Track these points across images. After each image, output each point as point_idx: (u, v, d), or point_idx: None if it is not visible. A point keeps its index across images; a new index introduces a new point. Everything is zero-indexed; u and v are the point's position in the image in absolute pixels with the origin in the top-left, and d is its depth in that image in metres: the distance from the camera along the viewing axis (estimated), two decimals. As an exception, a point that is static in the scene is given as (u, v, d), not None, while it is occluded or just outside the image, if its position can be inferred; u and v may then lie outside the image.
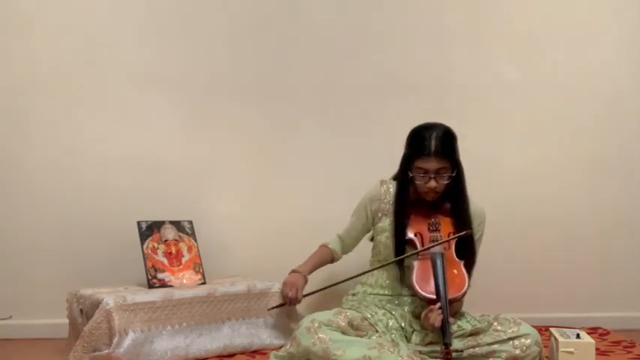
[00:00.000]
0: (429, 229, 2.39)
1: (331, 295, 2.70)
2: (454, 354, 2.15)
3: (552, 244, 3.28)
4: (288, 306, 2.60)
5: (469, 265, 2.37)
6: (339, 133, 3.20)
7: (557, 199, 3.29)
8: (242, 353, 2.67)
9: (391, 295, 2.44)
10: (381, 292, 2.46)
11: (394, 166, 2.52)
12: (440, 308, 2.17)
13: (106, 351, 2.39)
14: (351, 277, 2.48)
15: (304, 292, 2.57)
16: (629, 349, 2.81)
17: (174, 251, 2.80)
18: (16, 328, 2.93)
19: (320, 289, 2.56)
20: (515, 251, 3.23)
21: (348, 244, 2.64)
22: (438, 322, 2.15)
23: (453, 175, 2.34)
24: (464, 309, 2.43)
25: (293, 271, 2.59)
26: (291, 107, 3.19)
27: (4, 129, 2.99)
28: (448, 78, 3.26)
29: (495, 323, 2.22)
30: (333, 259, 2.66)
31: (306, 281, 2.58)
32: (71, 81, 3.02)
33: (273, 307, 2.66)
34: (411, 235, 2.39)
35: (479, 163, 3.14)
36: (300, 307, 2.85)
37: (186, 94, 3.11)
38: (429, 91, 3.23)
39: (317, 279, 2.72)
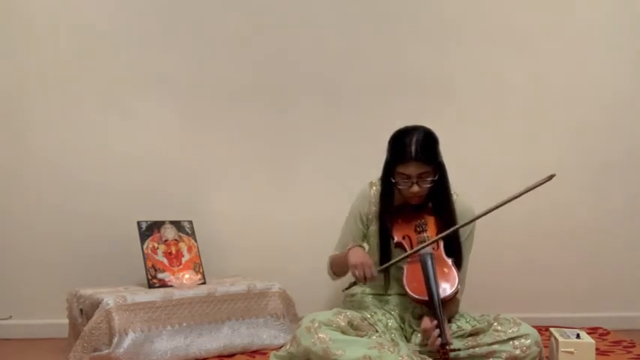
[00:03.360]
0: (416, 230, 2.38)
1: (331, 295, 2.70)
2: (452, 354, 2.15)
3: (552, 245, 3.28)
4: (363, 284, 2.40)
5: (458, 264, 2.37)
6: (339, 134, 3.20)
7: (558, 200, 3.28)
8: (242, 353, 2.67)
9: (390, 296, 2.43)
10: (380, 292, 2.45)
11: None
12: (437, 328, 2.15)
13: (106, 351, 2.40)
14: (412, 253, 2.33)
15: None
16: (629, 349, 2.81)
17: (174, 251, 2.80)
18: (16, 328, 2.93)
19: (393, 262, 2.36)
20: (515, 251, 3.23)
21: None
22: (437, 343, 2.12)
23: (436, 178, 2.34)
24: (464, 309, 2.43)
25: (351, 248, 2.39)
26: (291, 108, 3.19)
27: (4, 130, 2.98)
28: (448, 78, 3.26)
29: (495, 323, 2.22)
30: None
31: None
32: (71, 82, 3.02)
33: (348, 288, 2.43)
34: (399, 238, 2.38)
35: (478, 163, 3.16)
36: (300, 307, 2.86)
37: (187, 94, 3.11)
38: (429, 91, 3.23)
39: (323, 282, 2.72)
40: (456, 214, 2.40)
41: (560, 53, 3.32)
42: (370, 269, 2.30)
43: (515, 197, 2.28)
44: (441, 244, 2.36)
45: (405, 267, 2.32)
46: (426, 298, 2.23)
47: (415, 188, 2.31)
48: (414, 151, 2.29)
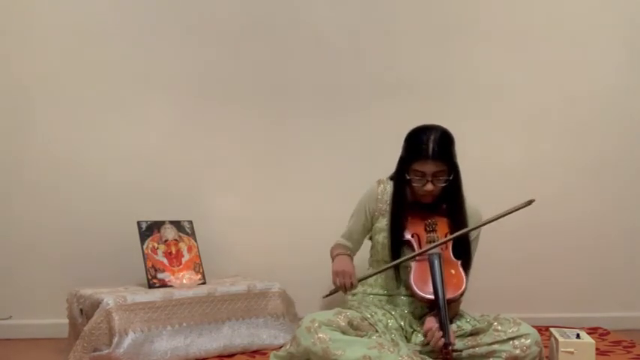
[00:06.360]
0: (425, 229, 2.39)
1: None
2: (453, 354, 2.15)
3: (552, 245, 3.29)
4: (343, 293, 2.42)
5: (466, 265, 2.37)
6: (339, 133, 3.20)
7: (557, 199, 3.29)
8: (242, 353, 2.67)
9: (391, 295, 2.43)
10: (381, 292, 2.45)
11: (394, 165, 2.52)
12: (440, 323, 2.16)
13: (106, 351, 2.40)
14: (404, 260, 2.37)
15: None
16: (629, 349, 2.81)
17: (174, 251, 2.80)
18: (16, 328, 2.93)
19: (374, 273, 2.43)
20: (515, 251, 3.24)
21: (351, 248, 2.60)
22: (440, 343, 2.13)
23: (450, 178, 2.34)
24: (464, 309, 2.43)
25: (338, 255, 2.47)
26: (291, 108, 3.19)
27: (4, 129, 2.98)
28: (448, 78, 3.26)
29: (495, 323, 2.22)
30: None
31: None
32: (71, 82, 3.02)
33: (328, 295, 2.47)
34: (408, 236, 2.39)
35: (478, 163, 3.16)
36: (300, 307, 2.86)
37: (187, 94, 3.11)
38: (429, 91, 3.23)
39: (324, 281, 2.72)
40: (467, 217, 2.41)
41: (560, 53, 3.32)
42: (351, 279, 2.35)
43: (495, 219, 2.35)
44: (450, 245, 2.36)
45: (413, 265, 2.33)
46: (432, 298, 2.23)
47: (429, 186, 2.32)
48: (431, 149, 2.30)
